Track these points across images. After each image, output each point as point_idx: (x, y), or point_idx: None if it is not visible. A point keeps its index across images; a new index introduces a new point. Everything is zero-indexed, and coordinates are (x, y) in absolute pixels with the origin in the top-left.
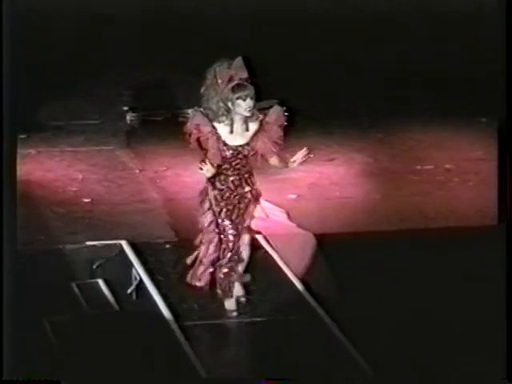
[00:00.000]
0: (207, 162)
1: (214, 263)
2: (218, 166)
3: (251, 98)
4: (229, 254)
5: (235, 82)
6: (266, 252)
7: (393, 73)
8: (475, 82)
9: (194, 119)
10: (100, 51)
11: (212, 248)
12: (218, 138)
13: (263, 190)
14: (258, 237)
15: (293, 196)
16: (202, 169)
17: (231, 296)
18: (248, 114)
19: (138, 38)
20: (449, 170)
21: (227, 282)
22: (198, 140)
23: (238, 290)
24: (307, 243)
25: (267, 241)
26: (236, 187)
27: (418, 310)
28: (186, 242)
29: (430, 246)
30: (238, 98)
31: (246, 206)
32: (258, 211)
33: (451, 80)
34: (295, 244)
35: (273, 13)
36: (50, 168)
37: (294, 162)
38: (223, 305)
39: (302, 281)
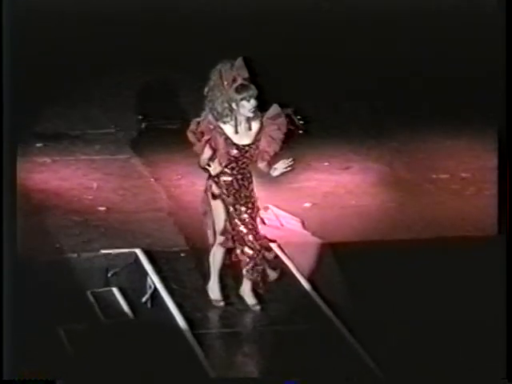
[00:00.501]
0: (215, 161)
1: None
2: (224, 166)
3: (255, 99)
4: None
5: (239, 83)
6: (281, 261)
7: (408, 82)
8: (493, 92)
9: (205, 121)
10: (115, 61)
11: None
12: (226, 138)
13: (278, 198)
14: (273, 245)
15: (308, 205)
16: (209, 165)
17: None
18: (251, 115)
19: (152, 48)
20: (464, 178)
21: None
22: (207, 141)
23: (251, 298)
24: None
25: (282, 249)
26: (240, 186)
27: (425, 314)
28: (200, 251)
29: (445, 254)
30: (242, 99)
31: (253, 205)
32: (272, 220)
33: (468, 89)
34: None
35: (288, 16)
36: (65, 177)
37: (276, 169)
38: (237, 314)
39: (317, 289)
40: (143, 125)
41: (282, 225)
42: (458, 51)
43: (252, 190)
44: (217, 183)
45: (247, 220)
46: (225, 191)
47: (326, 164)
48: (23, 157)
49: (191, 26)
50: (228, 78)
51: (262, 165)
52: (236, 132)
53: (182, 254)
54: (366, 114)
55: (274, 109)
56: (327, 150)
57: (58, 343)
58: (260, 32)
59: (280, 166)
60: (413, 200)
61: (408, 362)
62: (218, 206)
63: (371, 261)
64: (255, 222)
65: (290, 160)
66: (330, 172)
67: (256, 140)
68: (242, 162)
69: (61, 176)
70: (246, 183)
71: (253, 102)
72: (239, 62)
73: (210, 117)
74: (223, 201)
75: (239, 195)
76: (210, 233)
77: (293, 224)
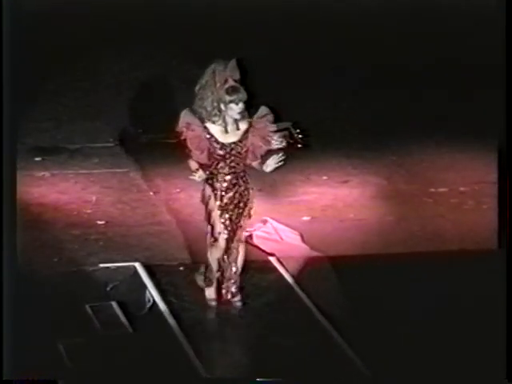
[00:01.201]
0: (198, 169)
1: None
2: (214, 166)
3: (243, 102)
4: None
5: (230, 85)
6: (280, 274)
7: (407, 96)
8: (492, 106)
9: (185, 119)
10: (114, 75)
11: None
12: (210, 137)
13: (277, 212)
14: (272, 259)
15: (307, 218)
16: (196, 172)
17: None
18: (239, 117)
19: (152, 62)
20: (463, 192)
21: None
22: (185, 140)
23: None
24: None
25: (281, 263)
26: (233, 185)
27: (425, 328)
28: (199, 265)
29: (444, 268)
30: (230, 102)
31: (245, 205)
32: (271, 233)
33: (468, 103)
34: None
35: (289, 21)
36: (64, 190)
37: (268, 165)
38: (236, 327)
39: (316, 303)
40: (142, 138)
41: (281, 238)
42: (458, 61)
43: (246, 188)
44: (210, 185)
45: (234, 219)
46: (218, 191)
47: (325, 178)
48: (22, 170)
49: (192, 39)
50: (221, 78)
51: (254, 163)
52: (226, 132)
53: (181, 268)
54: (365, 127)
55: (262, 110)
56: (326, 164)
57: (57, 357)
58: (261, 40)
59: (272, 162)
60: (411, 213)
61: (408, 368)
62: (212, 206)
63: (370, 274)
64: (241, 220)
65: (280, 155)
66: (329, 185)
67: (243, 138)
68: (230, 161)
69: (59, 190)
70: (240, 182)
71: (241, 105)
72: (233, 63)
73: (190, 115)
74: (214, 201)
75: (233, 195)
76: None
77: (292, 237)
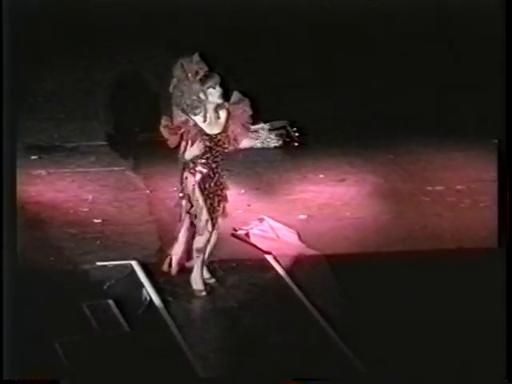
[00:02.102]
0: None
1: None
2: (200, 156)
3: (220, 86)
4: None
5: (202, 74)
6: (277, 273)
7: (404, 94)
8: (488, 104)
9: (178, 116)
10: (111, 74)
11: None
12: (200, 129)
13: (274, 210)
14: (269, 257)
15: (303, 216)
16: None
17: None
18: (220, 101)
19: (148, 61)
20: (460, 191)
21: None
22: (182, 134)
23: (205, 273)
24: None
25: (278, 261)
26: (214, 174)
27: (423, 327)
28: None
29: (442, 266)
30: (208, 88)
31: (222, 191)
32: (267, 232)
33: (463, 101)
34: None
35: (288, 22)
36: (60, 189)
37: (263, 128)
38: (233, 327)
39: (313, 302)
40: (139, 137)
41: (278, 237)
42: (456, 59)
43: (223, 177)
44: (193, 174)
45: (216, 207)
46: (200, 181)
47: (322, 176)
48: (18, 169)
49: (191, 39)
50: (191, 70)
51: (244, 143)
52: (204, 121)
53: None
54: (361, 126)
55: (236, 95)
56: (323, 162)
57: (57, 356)
58: (258, 41)
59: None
60: (408, 212)
61: (407, 367)
62: (196, 195)
63: (367, 272)
64: (220, 206)
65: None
66: (326, 184)
67: (226, 128)
68: (215, 151)
69: (56, 188)
70: (219, 170)
71: (218, 88)
72: (196, 56)
73: (180, 112)
74: (200, 190)
75: (214, 183)
76: (185, 223)
77: (288, 236)
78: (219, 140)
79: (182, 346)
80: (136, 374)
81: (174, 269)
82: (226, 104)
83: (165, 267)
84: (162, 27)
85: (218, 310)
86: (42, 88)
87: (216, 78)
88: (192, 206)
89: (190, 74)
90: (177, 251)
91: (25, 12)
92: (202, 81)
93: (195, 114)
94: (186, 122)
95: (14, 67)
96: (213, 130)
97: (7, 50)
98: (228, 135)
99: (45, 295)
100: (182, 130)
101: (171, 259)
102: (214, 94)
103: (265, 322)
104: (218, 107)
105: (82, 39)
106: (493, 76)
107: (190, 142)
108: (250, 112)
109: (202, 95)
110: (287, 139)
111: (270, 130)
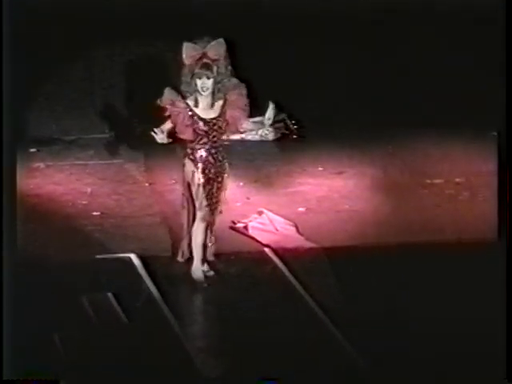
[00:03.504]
0: (163, 131)
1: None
2: (197, 141)
3: (208, 78)
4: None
5: (204, 61)
6: (275, 265)
7: (403, 86)
8: (487, 97)
9: (168, 96)
10: (109, 66)
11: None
12: (193, 113)
13: (273, 203)
14: (267, 250)
15: (302, 209)
16: (155, 133)
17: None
18: (203, 93)
19: (148, 53)
20: (458, 183)
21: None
22: (168, 117)
23: (204, 266)
24: None
25: (276, 254)
26: (214, 160)
27: (422, 322)
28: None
29: (439, 259)
30: (194, 76)
31: (222, 178)
32: (266, 225)
33: (462, 93)
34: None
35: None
36: (59, 182)
37: (270, 118)
38: (231, 320)
39: (311, 294)
40: (138, 130)
41: (277, 229)
42: (455, 54)
43: (225, 164)
44: (193, 160)
45: (215, 194)
46: (200, 165)
47: (320, 169)
48: (17, 162)
49: (190, 31)
50: (192, 55)
51: (245, 126)
52: (195, 105)
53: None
54: (360, 118)
55: (232, 81)
56: (321, 155)
57: (53, 348)
58: (258, 33)
59: (271, 114)
60: (407, 204)
61: (407, 364)
62: (194, 182)
63: (365, 265)
64: (220, 196)
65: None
66: (325, 177)
67: (222, 113)
68: (212, 136)
69: (55, 181)
70: (219, 157)
71: (205, 80)
72: (216, 42)
73: (172, 92)
74: (198, 176)
75: (214, 169)
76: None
77: (287, 228)
78: (214, 124)
79: (181, 339)
80: (135, 367)
81: (185, 257)
82: (223, 90)
83: (179, 257)
84: (162, 17)
85: (217, 302)
86: (41, 81)
87: (208, 71)
88: (192, 193)
89: (188, 59)
90: (185, 240)
91: (25, 5)
92: (194, 68)
93: (186, 98)
94: (173, 103)
95: (13, 59)
96: (208, 114)
97: (7, 42)
98: (226, 119)
99: (44, 288)
100: (168, 112)
101: (183, 250)
102: (198, 85)
103: (263, 314)
104: (213, 93)
105: (81, 31)
106: (492, 68)
107: (179, 125)
108: (246, 96)
109: (191, 80)
110: (286, 132)
111: (271, 123)
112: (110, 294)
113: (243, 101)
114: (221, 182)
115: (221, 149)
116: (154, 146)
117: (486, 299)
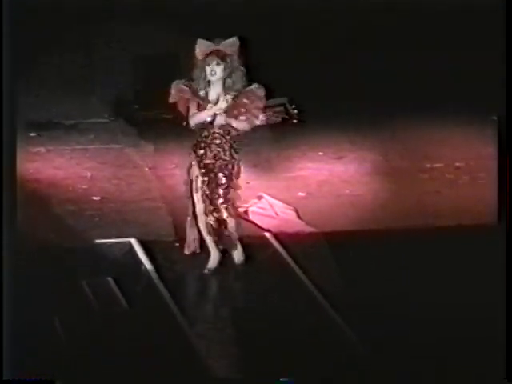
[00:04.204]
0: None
1: None
2: (199, 134)
3: (217, 65)
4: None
5: (209, 54)
6: (275, 250)
7: (403, 70)
8: (487, 81)
9: (175, 88)
10: (111, 51)
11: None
12: (199, 105)
13: (273, 187)
14: (267, 235)
15: (302, 194)
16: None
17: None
18: (213, 78)
19: (149, 39)
20: (458, 167)
21: None
22: (176, 103)
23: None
24: None
25: (276, 239)
26: (215, 155)
27: (422, 307)
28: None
29: (439, 244)
30: (204, 63)
31: (228, 178)
32: (266, 209)
33: (462, 78)
34: None
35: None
36: (59, 166)
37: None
38: (232, 309)
39: (311, 278)
40: (138, 114)
41: (277, 214)
42: (456, 40)
43: (231, 154)
44: (194, 151)
45: (217, 183)
46: (200, 159)
47: (321, 153)
48: (17, 146)
49: (191, 17)
50: (204, 50)
51: (242, 124)
52: (207, 100)
53: (177, 244)
54: (360, 103)
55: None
56: (321, 140)
57: (54, 334)
58: (259, 19)
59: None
60: (407, 189)
61: (406, 349)
62: (192, 173)
63: (366, 250)
64: (219, 191)
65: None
66: (325, 161)
67: (230, 109)
68: (217, 130)
69: (55, 165)
70: (222, 154)
71: (214, 66)
72: (229, 41)
73: (181, 85)
74: (198, 167)
75: (219, 159)
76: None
77: (287, 213)
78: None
79: (182, 324)
80: (135, 352)
81: (191, 250)
82: (236, 88)
83: (186, 250)
84: (160, 3)
85: (217, 287)
86: (41, 65)
87: (217, 59)
88: (192, 182)
89: (200, 54)
90: (193, 229)
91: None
92: (204, 58)
93: (199, 92)
94: (181, 90)
95: (13, 45)
96: (214, 108)
97: (7, 29)
98: (240, 111)
99: (43, 273)
100: (175, 98)
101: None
102: (207, 71)
103: (263, 299)
104: (223, 84)
105: (81, 17)
106: (493, 52)
107: (185, 112)
108: (263, 99)
109: (201, 73)
110: (286, 116)
111: (267, 107)
112: (110, 279)
113: (258, 92)
114: (223, 171)
115: (227, 147)
116: (154, 130)
117: (486, 283)
